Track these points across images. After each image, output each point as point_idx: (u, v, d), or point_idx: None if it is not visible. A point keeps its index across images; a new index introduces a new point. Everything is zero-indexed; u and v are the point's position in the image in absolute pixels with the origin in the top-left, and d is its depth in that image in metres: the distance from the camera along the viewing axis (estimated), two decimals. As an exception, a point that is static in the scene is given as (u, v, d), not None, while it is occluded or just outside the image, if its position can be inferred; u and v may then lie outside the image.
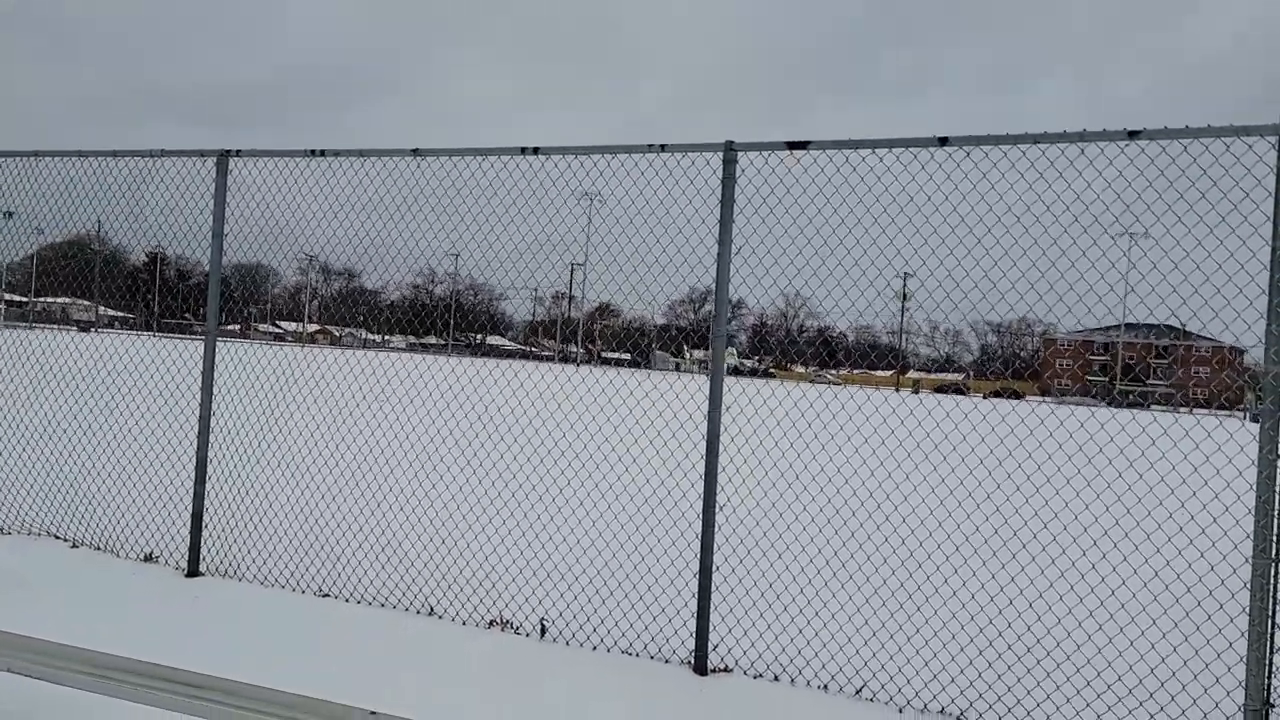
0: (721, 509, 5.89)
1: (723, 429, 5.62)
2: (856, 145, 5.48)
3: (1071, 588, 7.01)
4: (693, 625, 5.63)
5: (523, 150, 6.26)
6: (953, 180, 5.32)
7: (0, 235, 8.36)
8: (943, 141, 5.26)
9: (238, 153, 6.93)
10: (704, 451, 5.64)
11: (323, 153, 6.76)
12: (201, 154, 7.00)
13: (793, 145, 5.64)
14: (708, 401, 5.63)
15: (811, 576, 6.76)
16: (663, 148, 5.90)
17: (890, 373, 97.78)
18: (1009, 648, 5.89)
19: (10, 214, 8.12)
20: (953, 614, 6.62)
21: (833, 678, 5.43)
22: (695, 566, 5.73)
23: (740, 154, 5.71)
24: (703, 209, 5.92)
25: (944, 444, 7.31)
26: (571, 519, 8.34)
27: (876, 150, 5.47)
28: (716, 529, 5.68)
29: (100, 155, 7.35)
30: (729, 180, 5.71)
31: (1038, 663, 5.70)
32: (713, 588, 5.60)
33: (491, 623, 6.10)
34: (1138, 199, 5.00)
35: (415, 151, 6.49)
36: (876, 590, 6.81)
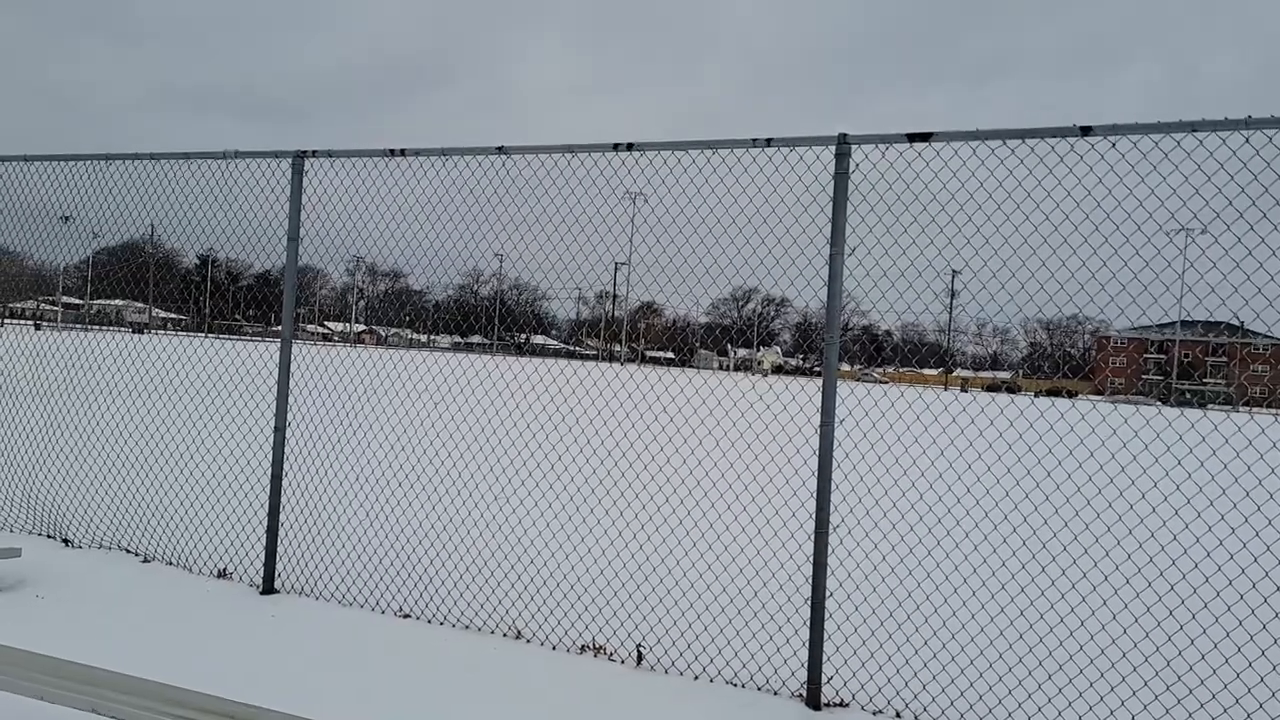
0: (835, 529, 5.46)
1: (836, 443, 5.21)
2: (986, 136, 5.06)
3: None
4: (805, 654, 5.24)
5: (615, 147, 5.89)
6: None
7: (58, 239, 8.19)
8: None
9: (314, 153, 6.64)
10: (815, 467, 5.24)
11: (403, 152, 6.45)
12: (277, 155, 6.72)
13: (914, 137, 5.22)
14: (819, 413, 5.23)
15: (938, 605, 6.30)
16: (768, 142, 5.50)
17: (938, 371, 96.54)
18: (1179, 679, 5.41)
19: (68, 218, 7.96)
20: (1113, 639, 6.13)
21: (962, 716, 4.99)
22: (807, 591, 5.34)
23: (854, 147, 5.31)
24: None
25: (1066, 450, 6.79)
26: (671, 538, 7.91)
27: (988, 142, 5.10)
28: (830, 550, 5.27)
29: (172, 158, 7.10)
30: (842, 176, 5.31)
31: (1189, 692, 5.23)
32: (827, 614, 5.20)
33: (584, 648, 5.75)
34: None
35: (501, 149, 6.15)
36: (1013, 622, 6.18)
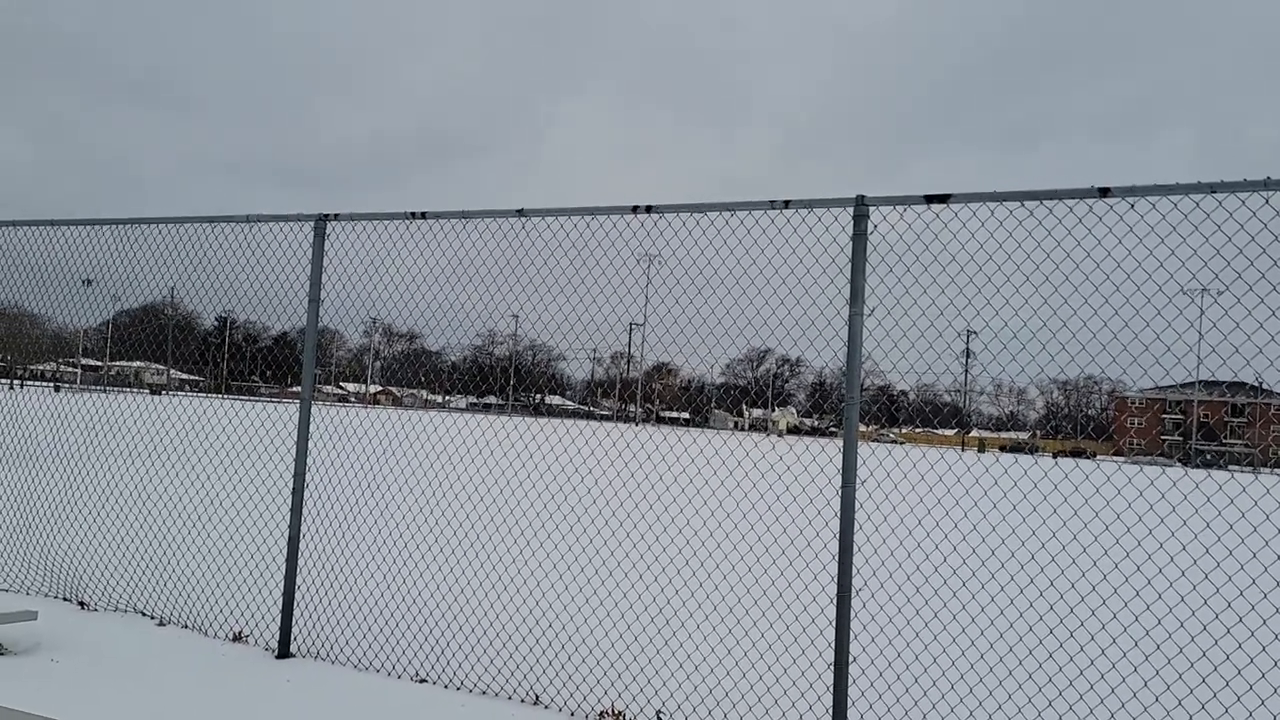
0: (858, 593, 5.37)
1: (857, 504, 5.15)
2: (1004, 198, 5.08)
3: None
4: (829, 721, 5.12)
5: (634, 209, 5.94)
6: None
7: (80, 302, 8.28)
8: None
9: (335, 216, 6.72)
10: (835, 529, 5.18)
11: (423, 215, 6.52)
12: (300, 218, 6.81)
13: (931, 198, 5.25)
14: (840, 475, 5.18)
15: (964, 671, 6.16)
16: (786, 204, 5.54)
17: (954, 432, 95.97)
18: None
19: (89, 282, 8.06)
20: (1145, 707, 5.98)
21: (992, 785, 4.86)
22: (830, 655, 5.24)
23: (872, 208, 5.33)
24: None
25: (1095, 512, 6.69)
26: (691, 601, 7.78)
27: (1006, 204, 5.12)
28: (853, 614, 5.19)
29: (196, 221, 7.21)
30: (860, 237, 5.32)
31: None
32: (850, 679, 5.10)
33: (603, 714, 5.65)
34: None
35: (520, 212, 6.22)
36: (1041, 689, 5.99)
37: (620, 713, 5.65)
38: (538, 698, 5.84)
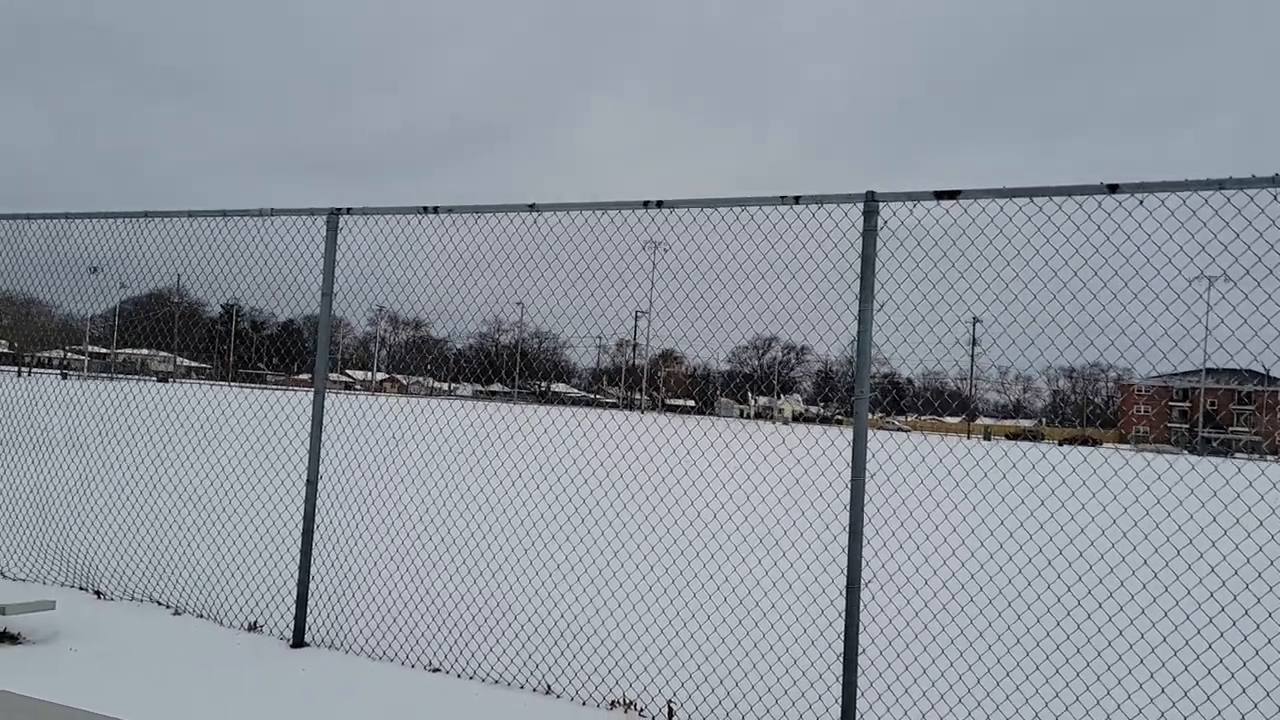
0: (867, 585, 5.43)
1: (867, 497, 5.20)
2: (1013, 194, 5.12)
3: None
4: (838, 711, 5.18)
5: (645, 204, 5.98)
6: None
7: (88, 290, 8.32)
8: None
9: (348, 211, 6.77)
10: (845, 521, 5.23)
11: (435, 210, 6.56)
12: (312, 212, 6.85)
13: (941, 194, 5.28)
14: (849, 467, 5.23)
15: (972, 662, 6.22)
16: (797, 199, 5.58)
17: (960, 419, 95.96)
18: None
19: (96, 269, 8.11)
20: (1151, 698, 6.04)
21: (999, 775, 4.92)
22: (839, 647, 5.30)
23: (882, 204, 5.36)
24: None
25: (1105, 499, 6.72)
26: (702, 592, 7.84)
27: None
28: (862, 606, 5.25)
29: (209, 215, 7.25)
30: (870, 233, 5.36)
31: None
32: (860, 670, 5.16)
33: (614, 704, 5.71)
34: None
35: (532, 207, 6.26)
36: (1048, 680, 6.03)
37: (631, 702, 5.72)
38: (550, 687, 5.91)
